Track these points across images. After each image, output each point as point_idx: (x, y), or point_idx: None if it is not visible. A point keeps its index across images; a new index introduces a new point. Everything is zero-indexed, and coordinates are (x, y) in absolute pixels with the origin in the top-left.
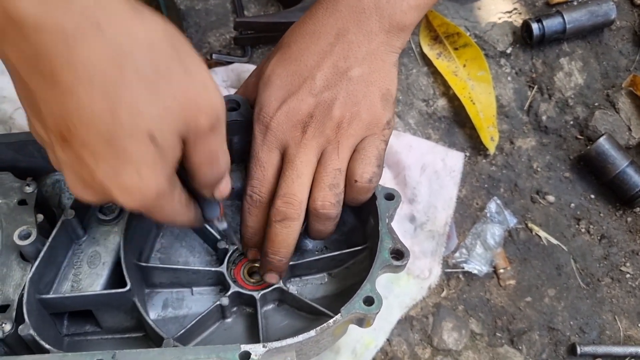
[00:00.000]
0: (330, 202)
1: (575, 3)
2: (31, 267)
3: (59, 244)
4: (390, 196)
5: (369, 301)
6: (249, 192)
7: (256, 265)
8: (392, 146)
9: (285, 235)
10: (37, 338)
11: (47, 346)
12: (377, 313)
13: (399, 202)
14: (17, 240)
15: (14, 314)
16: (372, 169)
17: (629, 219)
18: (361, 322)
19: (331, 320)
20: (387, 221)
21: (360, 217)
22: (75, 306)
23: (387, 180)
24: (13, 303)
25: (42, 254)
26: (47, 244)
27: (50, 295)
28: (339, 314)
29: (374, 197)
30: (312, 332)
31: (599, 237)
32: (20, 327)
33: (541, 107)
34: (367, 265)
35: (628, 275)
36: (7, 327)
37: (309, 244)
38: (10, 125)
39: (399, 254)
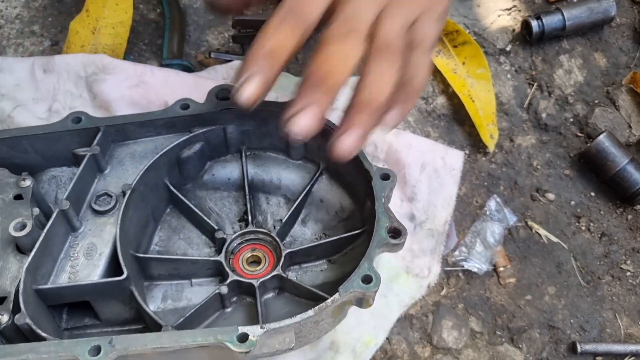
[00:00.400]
0: (398, 30)
1: (574, 0)
2: (27, 258)
3: (54, 235)
4: (385, 176)
5: (367, 280)
6: (287, 6)
7: (255, 254)
8: (391, 144)
9: (344, 57)
10: (34, 327)
11: (44, 334)
12: (375, 291)
13: (394, 182)
14: (12, 231)
15: (11, 305)
16: (430, 40)
17: (630, 217)
18: (360, 301)
19: (329, 300)
20: (383, 201)
21: (358, 199)
22: (73, 297)
23: None
24: (10, 295)
25: (37, 244)
26: (43, 234)
27: (47, 286)
28: (337, 294)
29: (369, 178)
30: (310, 312)
31: (599, 235)
32: (16, 316)
33: (541, 104)
34: (365, 250)
35: (629, 273)
36: (4, 318)
37: (307, 230)
38: (9, 123)
39: (396, 232)
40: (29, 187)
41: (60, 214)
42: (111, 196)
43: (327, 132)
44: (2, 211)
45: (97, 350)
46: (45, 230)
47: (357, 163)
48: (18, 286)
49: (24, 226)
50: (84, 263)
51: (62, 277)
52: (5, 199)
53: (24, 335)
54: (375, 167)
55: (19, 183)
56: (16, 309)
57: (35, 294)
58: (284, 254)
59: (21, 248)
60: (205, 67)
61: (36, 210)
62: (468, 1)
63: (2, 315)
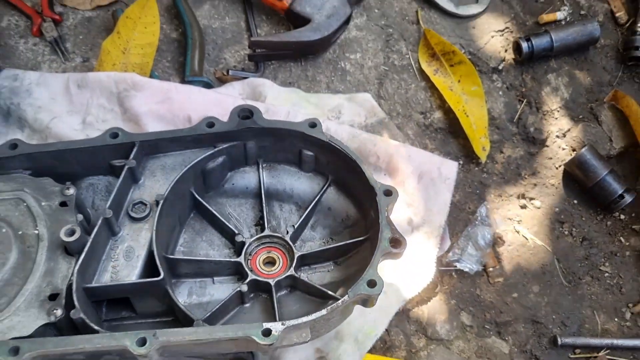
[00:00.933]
0: None
1: (563, 23)
2: (77, 260)
3: (99, 240)
4: (388, 192)
5: (372, 284)
6: None
7: (271, 256)
8: (392, 155)
9: None
10: (87, 321)
11: (96, 327)
12: (379, 294)
13: (396, 198)
14: (63, 237)
15: (63, 301)
16: None
17: (609, 223)
18: (365, 302)
19: (340, 301)
20: (386, 214)
21: (362, 209)
22: (116, 294)
23: None
24: (62, 292)
25: (86, 248)
26: (91, 239)
27: (94, 285)
28: (347, 295)
29: (374, 193)
30: (324, 311)
31: (580, 239)
32: (72, 311)
33: (529, 119)
34: (368, 254)
35: (607, 274)
36: (59, 312)
37: (316, 235)
38: (47, 134)
39: (397, 242)
40: (72, 195)
41: (104, 221)
42: (146, 204)
43: (334, 148)
44: (50, 217)
45: (143, 341)
46: (92, 236)
47: (363, 180)
48: (69, 284)
49: (73, 232)
50: (124, 264)
51: (105, 277)
52: (51, 206)
53: (75, 327)
54: (379, 184)
55: (64, 191)
56: (67, 304)
57: (83, 291)
58: (296, 256)
59: (70, 251)
60: (223, 83)
61: (80, 216)
62: (464, 23)
63: (57, 310)
